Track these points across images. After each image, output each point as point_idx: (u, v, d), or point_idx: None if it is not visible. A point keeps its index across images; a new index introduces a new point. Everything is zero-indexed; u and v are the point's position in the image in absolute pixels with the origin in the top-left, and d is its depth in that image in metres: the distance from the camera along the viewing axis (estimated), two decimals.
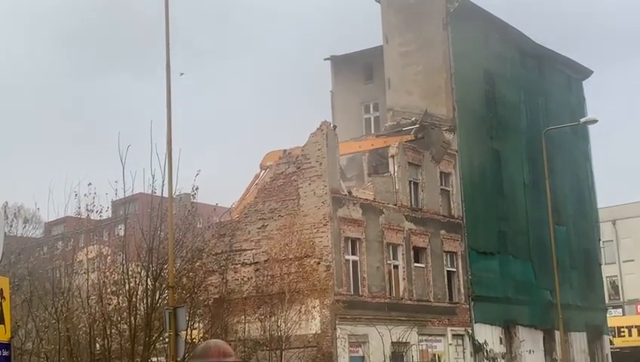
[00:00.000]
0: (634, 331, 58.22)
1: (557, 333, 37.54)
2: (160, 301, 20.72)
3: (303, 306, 28.23)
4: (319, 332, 28.50)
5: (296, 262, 28.80)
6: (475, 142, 37.91)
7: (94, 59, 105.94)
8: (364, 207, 31.18)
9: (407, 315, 31.75)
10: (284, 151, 33.45)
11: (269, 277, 28.95)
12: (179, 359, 18.51)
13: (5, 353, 9.04)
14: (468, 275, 35.89)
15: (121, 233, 25.93)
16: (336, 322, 28.65)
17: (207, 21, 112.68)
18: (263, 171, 33.93)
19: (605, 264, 54.16)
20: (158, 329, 20.56)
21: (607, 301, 53.02)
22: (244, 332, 27.57)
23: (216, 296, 28.32)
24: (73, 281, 21.89)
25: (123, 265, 21.56)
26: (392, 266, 32.17)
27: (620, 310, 65.51)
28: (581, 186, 46.84)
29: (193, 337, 23.36)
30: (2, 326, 8.98)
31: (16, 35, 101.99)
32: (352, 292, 30.05)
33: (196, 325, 24.74)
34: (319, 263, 28.95)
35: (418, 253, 33.68)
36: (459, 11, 37.68)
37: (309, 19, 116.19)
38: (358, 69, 41.85)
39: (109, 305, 21.29)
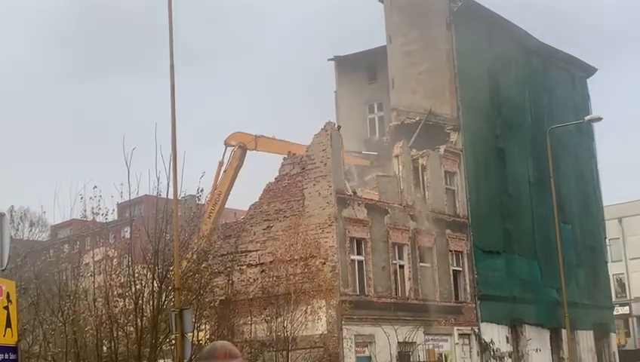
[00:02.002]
0: None
1: (564, 332, 37.50)
2: (166, 303, 20.75)
3: (308, 307, 28.25)
4: (325, 332, 28.52)
5: (302, 263, 28.83)
6: (480, 141, 37.89)
7: (92, 61, 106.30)
8: (369, 207, 31.18)
9: (413, 315, 31.75)
10: (255, 136, 33.91)
11: (274, 278, 28.98)
12: (185, 361, 18.55)
13: (12, 356, 9.06)
14: (474, 274, 35.87)
15: (127, 235, 25.99)
16: (343, 322, 28.66)
17: (209, 21, 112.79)
18: (231, 150, 34.09)
19: (612, 262, 54.04)
20: (165, 331, 20.58)
21: (613, 299, 52.92)
22: (251, 333, 27.60)
23: (222, 298, 28.36)
24: (80, 284, 21.93)
25: (129, 268, 21.60)
26: (397, 266, 32.16)
27: (627, 307, 65.38)
28: (586, 184, 46.76)
29: (199, 339, 23.38)
30: (9, 329, 9.01)
31: (15, 38, 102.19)
32: (358, 293, 30.05)
33: (202, 327, 24.74)
34: (325, 263, 28.97)
35: (423, 253, 33.65)
36: (462, 10, 37.66)
37: (311, 20, 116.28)
38: (361, 69, 41.87)
39: (116, 307, 21.32)
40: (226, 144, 34.66)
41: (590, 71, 48.94)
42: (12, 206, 31.73)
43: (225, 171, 34.60)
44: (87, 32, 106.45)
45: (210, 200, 33.12)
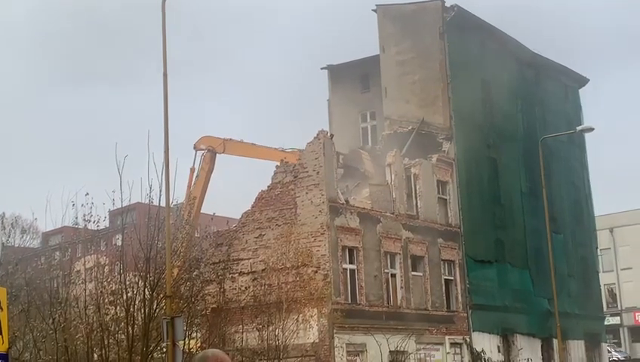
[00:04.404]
0: None
1: (555, 341, 37.52)
2: (158, 311, 20.72)
3: (300, 315, 28.23)
4: (317, 341, 28.49)
5: (294, 271, 28.82)
6: (472, 151, 37.96)
7: (77, 71, 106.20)
8: (362, 215, 31.21)
9: (405, 324, 31.74)
10: (224, 139, 34.00)
11: (266, 287, 28.95)
12: None
13: None
14: (466, 284, 35.90)
15: (119, 243, 25.92)
16: (334, 331, 28.64)
17: (200, 32, 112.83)
18: (201, 153, 34.22)
19: (603, 272, 54.21)
20: (156, 339, 20.54)
21: (605, 309, 53.02)
22: (242, 341, 27.54)
23: (214, 306, 28.32)
24: (71, 291, 21.90)
25: (120, 275, 21.57)
26: (389, 275, 32.17)
27: (618, 318, 65.53)
28: (578, 194, 46.89)
29: (191, 347, 23.33)
30: (0, 336, 8.99)
31: (4, 48, 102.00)
32: (350, 301, 30.05)
33: (194, 335, 24.70)
34: (317, 272, 28.97)
35: (416, 262, 33.70)
36: (455, 20, 37.79)
37: (304, 30, 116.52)
38: (354, 78, 41.96)
39: (107, 315, 21.28)
40: (196, 148, 34.84)
41: (582, 81, 49.14)
42: (3, 213, 31.71)
43: (197, 176, 34.66)
44: (71, 43, 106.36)
45: (186, 207, 33.10)
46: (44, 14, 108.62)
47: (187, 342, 22.42)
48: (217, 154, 34.89)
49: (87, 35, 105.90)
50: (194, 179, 34.76)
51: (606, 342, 47.76)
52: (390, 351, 30.36)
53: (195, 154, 34.92)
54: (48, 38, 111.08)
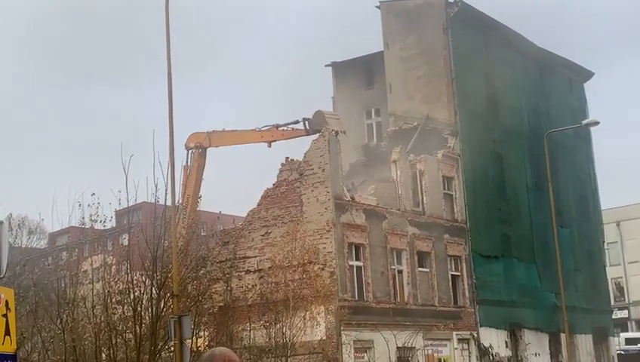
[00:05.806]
0: None
1: (563, 336, 37.51)
2: (165, 309, 20.75)
3: (307, 313, 28.26)
4: (324, 338, 28.51)
5: (300, 269, 28.84)
6: (478, 146, 37.93)
7: (77, 71, 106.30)
8: (367, 212, 31.21)
9: (412, 320, 31.75)
10: (207, 133, 34.00)
11: (273, 284, 28.99)
12: None
13: None
14: (472, 279, 35.88)
15: (125, 242, 25.98)
16: (341, 328, 28.66)
17: (202, 29, 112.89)
18: (190, 152, 34.26)
19: (610, 266, 54.13)
20: (164, 337, 20.57)
21: (612, 302, 52.95)
22: (250, 339, 27.59)
23: (221, 304, 28.35)
24: (78, 291, 21.94)
25: (127, 275, 21.60)
26: (396, 271, 32.18)
27: (626, 311, 65.44)
28: (584, 188, 46.82)
29: (198, 345, 23.36)
30: (8, 337, 9.00)
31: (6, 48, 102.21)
32: (357, 298, 30.06)
33: (201, 333, 24.73)
34: (323, 269, 28.98)
35: (422, 258, 33.69)
36: (459, 16, 37.76)
37: (308, 26, 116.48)
38: (359, 74, 41.95)
39: (114, 314, 21.32)
40: (187, 147, 34.84)
41: (587, 75, 49.04)
42: (10, 213, 31.73)
43: (189, 174, 34.68)
44: (70, 43, 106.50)
45: (183, 205, 33.11)
46: (43, 13, 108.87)
47: (195, 341, 22.46)
48: (207, 149, 34.89)
49: (87, 35, 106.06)
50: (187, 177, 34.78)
51: (614, 336, 47.69)
52: (398, 348, 30.37)
53: (187, 153, 34.93)
54: (47, 37, 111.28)
